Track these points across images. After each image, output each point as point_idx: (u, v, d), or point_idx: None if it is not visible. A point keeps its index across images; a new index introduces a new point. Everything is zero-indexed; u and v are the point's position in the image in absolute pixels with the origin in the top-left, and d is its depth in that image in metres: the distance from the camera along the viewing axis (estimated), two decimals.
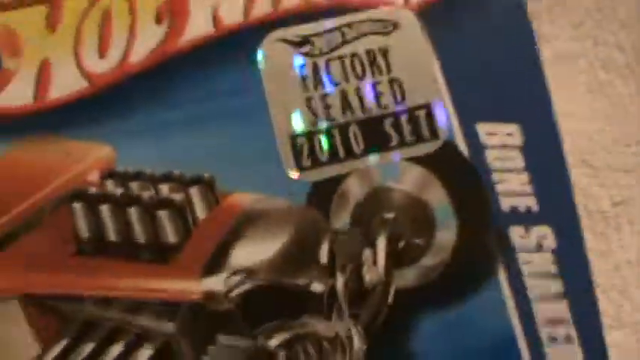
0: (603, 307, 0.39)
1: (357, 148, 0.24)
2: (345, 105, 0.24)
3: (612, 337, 0.42)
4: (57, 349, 0.24)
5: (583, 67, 0.55)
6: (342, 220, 0.24)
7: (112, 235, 0.24)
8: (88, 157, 0.26)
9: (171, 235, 0.23)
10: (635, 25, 0.51)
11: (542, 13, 0.52)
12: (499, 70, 0.25)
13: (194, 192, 0.24)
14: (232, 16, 0.26)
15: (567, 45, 0.55)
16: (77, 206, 0.24)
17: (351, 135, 0.24)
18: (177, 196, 0.24)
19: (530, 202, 0.25)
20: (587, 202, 0.49)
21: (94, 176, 0.25)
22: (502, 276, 0.24)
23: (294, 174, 0.24)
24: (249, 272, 0.22)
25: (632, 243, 0.46)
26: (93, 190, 0.25)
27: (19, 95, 0.26)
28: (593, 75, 0.53)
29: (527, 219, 0.24)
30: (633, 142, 0.50)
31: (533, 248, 0.24)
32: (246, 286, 0.22)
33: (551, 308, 0.25)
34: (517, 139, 0.24)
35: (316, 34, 0.25)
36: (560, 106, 0.53)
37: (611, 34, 0.55)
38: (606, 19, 0.52)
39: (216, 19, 0.26)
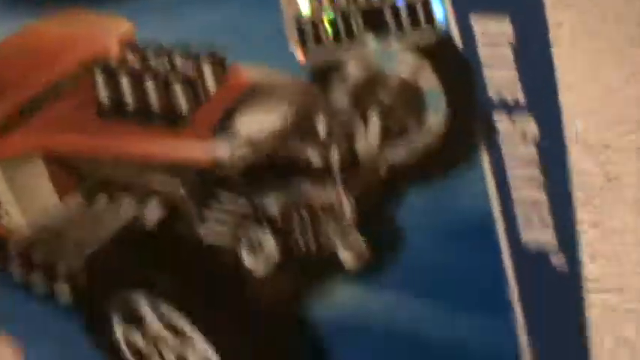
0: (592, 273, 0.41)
1: (358, 33, 0.26)
2: None
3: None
4: (73, 201, 0.27)
5: None
6: (340, 100, 0.26)
7: (130, 103, 0.26)
8: (110, 31, 0.28)
9: (183, 105, 0.26)
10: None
11: None
12: None
13: (206, 66, 0.26)
14: None
15: None
16: (99, 76, 0.27)
17: (353, 22, 0.26)
18: (191, 70, 0.26)
19: (518, 95, 0.26)
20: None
21: (115, 49, 0.28)
22: (485, 161, 0.26)
23: (299, 53, 0.26)
24: (252, 142, 0.24)
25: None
26: (114, 61, 0.27)
27: None
28: None
29: (513, 110, 0.26)
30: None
31: (518, 138, 0.26)
32: (249, 155, 0.24)
33: (530, 195, 0.27)
34: (509, 35, 0.26)
35: None
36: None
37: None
38: None
39: None
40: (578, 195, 0.40)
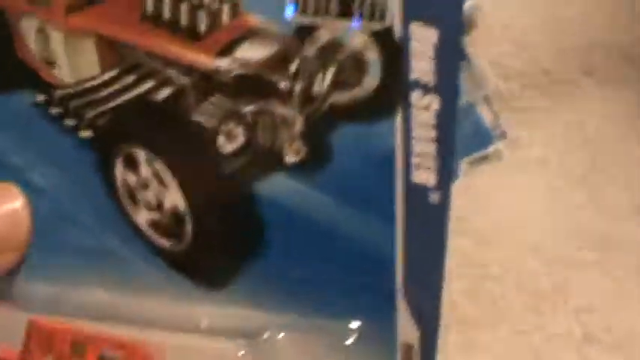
0: None
1: (333, 11, 0.37)
2: None
3: None
4: (110, 74, 0.38)
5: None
6: (310, 53, 0.37)
7: (165, 16, 0.37)
8: None
9: (202, 27, 0.37)
10: None
11: None
12: None
13: (225, 5, 0.37)
14: None
15: None
16: None
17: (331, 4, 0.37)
18: (214, 4, 0.37)
19: (431, 80, 0.38)
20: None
21: None
22: (398, 119, 0.38)
23: (289, 12, 0.37)
24: (244, 63, 0.36)
25: None
26: None
27: None
28: None
29: (425, 89, 0.37)
30: None
31: (424, 108, 0.38)
32: (241, 71, 0.36)
33: (423, 148, 0.39)
34: (433, 38, 0.37)
35: None
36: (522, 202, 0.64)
37: None
38: None
39: None
40: None
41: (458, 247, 0.64)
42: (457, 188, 0.67)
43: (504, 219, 0.66)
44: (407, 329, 0.44)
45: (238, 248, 0.40)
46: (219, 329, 0.40)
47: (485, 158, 0.71)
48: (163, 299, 0.40)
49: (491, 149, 0.72)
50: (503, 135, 0.72)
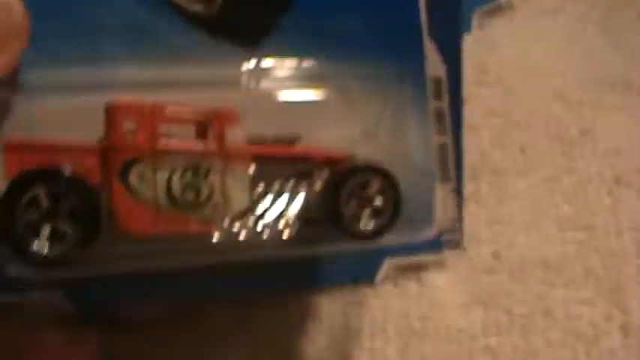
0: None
1: None
2: None
3: None
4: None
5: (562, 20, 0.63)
6: None
7: None
8: None
9: None
10: None
11: None
12: None
13: None
14: None
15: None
16: None
17: None
18: None
19: None
20: (562, 130, 0.60)
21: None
22: None
23: None
24: None
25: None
26: None
27: None
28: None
29: None
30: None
31: None
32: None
33: None
34: None
35: None
36: (540, 50, 0.62)
37: None
38: None
39: None
40: None
41: (481, 97, 0.62)
42: (472, 40, 0.65)
43: (525, 67, 0.64)
44: (435, 64, 0.48)
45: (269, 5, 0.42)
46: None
47: (497, 9, 0.69)
48: (202, 65, 0.43)
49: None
50: None
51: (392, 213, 0.45)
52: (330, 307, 0.53)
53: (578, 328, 0.55)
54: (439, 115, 0.51)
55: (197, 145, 0.42)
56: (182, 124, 0.42)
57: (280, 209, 0.42)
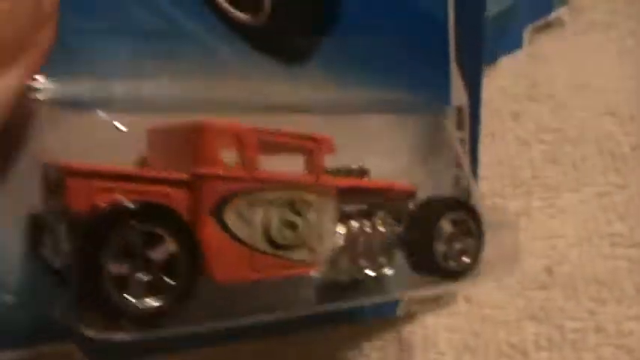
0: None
1: None
2: None
3: None
4: None
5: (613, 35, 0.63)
6: None
7: None
8: None
9: None
10: None
11: None
12: None
13: None
14: None
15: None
16: None
17: None
18: None
19: None
20: (613, 145, 0.60)
21: None
22: None
23: None
24: None
25: None
26: None
27: None
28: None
29: None
30: None
31: None
32: None
33: None
34: None
35: None
36: (591, 65, 0.62)
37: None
38: None
39: None
40: None
41: (533, 113, 0.63)
42: (523, 56, 0.65)
43: (576, 83, 0.64)
44: (459, 93, 0.48)
45: (316, 20, 0.41)
46: (298, 106, 0.40)
47: (548, 25, 0.69)
48: (240, 80, 0.39)
49: (553, 15, 0.70)
50: (564, 1, 0.69)
51: (477, 252, 0.42)
52: (382, 324, 0.54)
53: (629, 345, 0.55)
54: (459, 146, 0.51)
55: (296, 176, 0.36)
56: (274, 152, 0.36)
57: (367, 246, 0.39)
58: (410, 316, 0.55)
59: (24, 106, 0.32)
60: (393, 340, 0.55)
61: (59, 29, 0.31)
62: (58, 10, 0.31)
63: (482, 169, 0.55)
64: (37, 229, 0.33)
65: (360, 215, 0.39)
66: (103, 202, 0.30)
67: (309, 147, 0.37)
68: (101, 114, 0.35)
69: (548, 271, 0.57)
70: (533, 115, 0.61)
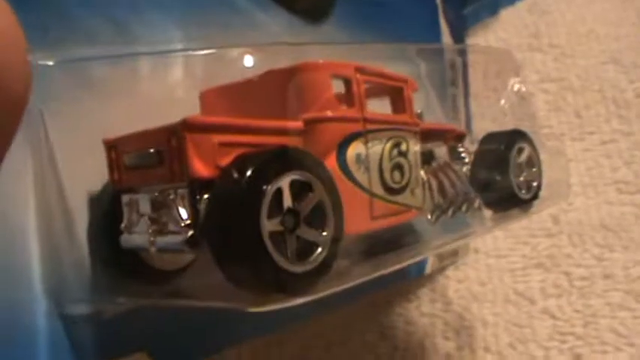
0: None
1: None
2: None
3: None
4: None
5: None
6: None
7: None
8: None
9: None
10: None
11: None
12: None
13: None
14: None
15: None
16: None
17: None
18: None
19: None
20: (617, 93, 0.59)
21: None
22: None
23: None
24: None
25: None
26: None
27: None
28: None
29: None
30: None
31: None
32: None
33: None
34: None
35: None
36: (593, 14, 0.61)
37: None
38: None
39: None
40: None
41: (535, 63, 0.62)
42: (524, 6, 0.65)
43: (578, 32, 0.63)
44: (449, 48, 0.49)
45: None
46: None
47: None
48: (265, 36, 0.39)
49: None
50: None
51: (539, 179, 0.42)
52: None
53: (638, 290, 0.55)
54: (453, 101, 0.51)
55: (398, 116, 0.34)
56: (376, 92, 0.34)
57: (451, 186, 0.37)
58: (437, 273, 0.55)
59: None
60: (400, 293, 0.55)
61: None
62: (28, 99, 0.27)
63: (485, 122, 0.54)
64: (109, 213, 0.30)
65: (428, 156, 0.38)
66: (224, 160, 0.26)
67: (401, 86, 0.35)
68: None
69: (555, 219, 0.57)
70: (536, 66, 0.60)
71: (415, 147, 0.35)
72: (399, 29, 0.47)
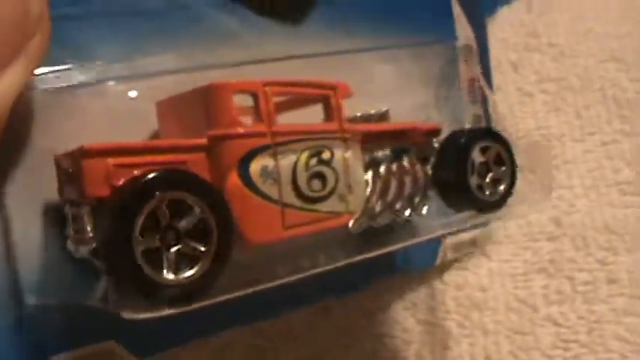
0: None
1: None
2: None
3: None
4: None
5: None
6: None
7: None
8: None
9: None
10: None
11: None
12: None
13: None
14: None
15: None
16: None
17: None
18: None
19: None
20: (618, 92, 0.58)
21: None
22: None
23: None
24: None
25: None
26: None
27: None
28: None
29: None
30: None
31: None
32: None
33: None
34: None
35: None
36: (593, 13, 0.60)
37: None
38: None
39: None
40: None
41: (533, 63, 0.61)
42: (522, 5, 0.63)
43: (577, 31, 0.62)
44: (464, 31, 0.47)
45: None
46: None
47: None
48: (239, 47, 0.39)
49: None
50: None
51: (511, 180, 0.41)
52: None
53: None
54: (471, 85, 0.50)
55: (318, 125, 0.35)
56: (290, 107, 0.36)
57: (397, 190, 0.37)
58: (449, 264, 0.53)
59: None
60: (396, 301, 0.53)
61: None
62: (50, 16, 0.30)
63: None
64: (56, 221, 0.33)
65: (387, 160, 0.38)
66: (121, 180, 0.29)
67: (327, 94, 0.35)
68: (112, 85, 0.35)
69: (556, 222, 0.55)
70: (534, 66, 0.59)
71: (345, 153, 0.35)
72: (411, 20, 0.46)
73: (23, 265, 0.32)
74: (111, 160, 0.29)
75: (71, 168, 0.30)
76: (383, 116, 0.39)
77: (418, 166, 0.39)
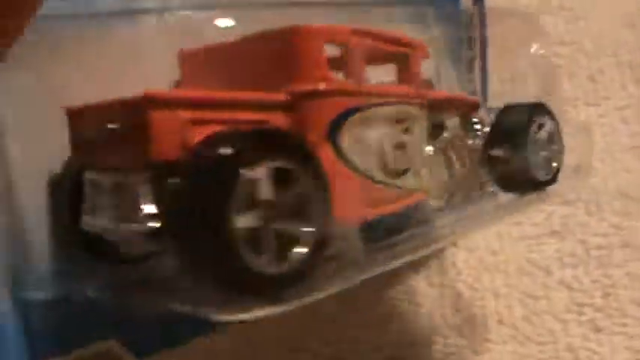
0: None
1: None
2: None
3: None
4: None
5: None
6: None
7: None
8: None
9: None
10: None
11: None
12: None
13: None
14: None
15: None
16: None
17: None
18: None
19: None
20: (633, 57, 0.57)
21: None
22: None
23: None
24: None
25: None
26: None
27: None
28: None
29: None
30: None
31: None
32: None
33: None
34: None
35: None
36: None
37: None
38: None
39: None
40: None
41: (546, 25, 0.59)
42: None
43: None
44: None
45: None
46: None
47: None
48: None
49: None
50: None
51: (559, 157, 0.38)
52: None
53: None
54: (469, 65, 0.48)
55: (401, 88, 0.30)
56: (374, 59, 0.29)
57: (458, 165, 0.34)
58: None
59: None
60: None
61: None
62: None
63: (496, 86, 0.51)
64: (70, 195, 0.26)
65: (438, 130, 0.34)
66: (195, 139, 0.22)
67: (405, 52, 0.30)
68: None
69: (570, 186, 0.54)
70: (546, 29, 0.57)
71: (422, 122, 0.31)
72: None
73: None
74: (186, 114, 0.22)
75: (119, 122, 0.23)
76: (429, 84, 0.35)
77: (470, 140, 0.36)
